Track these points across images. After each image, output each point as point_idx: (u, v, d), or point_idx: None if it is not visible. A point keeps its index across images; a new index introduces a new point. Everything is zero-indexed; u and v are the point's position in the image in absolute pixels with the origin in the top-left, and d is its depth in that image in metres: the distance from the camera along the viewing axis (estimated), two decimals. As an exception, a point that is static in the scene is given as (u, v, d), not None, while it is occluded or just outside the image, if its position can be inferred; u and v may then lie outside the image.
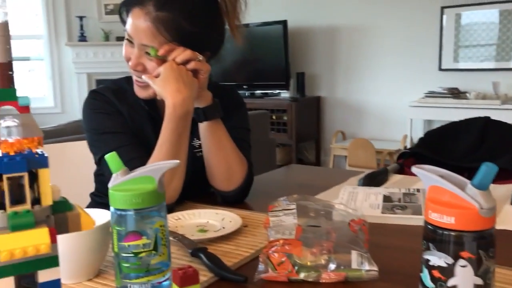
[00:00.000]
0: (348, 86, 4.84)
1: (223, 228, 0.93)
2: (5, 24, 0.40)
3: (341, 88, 4.88)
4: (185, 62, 1.05)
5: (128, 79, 1.17)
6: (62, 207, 0.43)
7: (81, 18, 5.29)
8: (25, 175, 0.40)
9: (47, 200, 0.42)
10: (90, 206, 1.24)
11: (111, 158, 0.68)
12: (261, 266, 0.73)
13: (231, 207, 1.07)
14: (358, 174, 1.34)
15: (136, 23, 1.04)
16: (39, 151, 0.42)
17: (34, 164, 0.41)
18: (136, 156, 1.05)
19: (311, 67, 5.01)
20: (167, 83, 1.02)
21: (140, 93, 1.12)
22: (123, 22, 1.09)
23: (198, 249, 0.80)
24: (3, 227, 0.39)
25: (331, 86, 4.94)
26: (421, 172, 0.57)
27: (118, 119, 1.12)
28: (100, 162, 1.12)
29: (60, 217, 0.43)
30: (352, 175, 1.35)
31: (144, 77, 1.06)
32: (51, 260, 0.41)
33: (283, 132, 4.72)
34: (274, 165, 3.62)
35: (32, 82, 5.74)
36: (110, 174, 0.66)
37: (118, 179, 0.68)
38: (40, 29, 5.45)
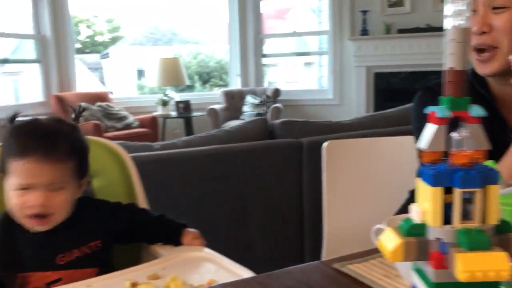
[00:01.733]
0: None
1: None
2: (466, 30, 0.38)
3: None
4: None
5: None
6: (504, 228, 0.39)
7: (364, 12, 5.41)
8: (479, 192, 0.38)
9: (492, 219, 0.39)
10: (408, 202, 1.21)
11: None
12: None
13: None
14: None
15: None
16: (487, 165, 0.39)
17: (487, 179, 0.38)
18: None
19: None
20: None
21: (483, 69, 1.00)
22: None
23: None
24: (452, 243, 0.38)
25: None
26: None
27: None
28: None
29: (502, 238, 0.39)
30: None
31: None
32: (494, 286, 0.38)
33: None
34: None
35: (311, 75, 6.22)
36: None
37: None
38: (324, 24, 5.82)
